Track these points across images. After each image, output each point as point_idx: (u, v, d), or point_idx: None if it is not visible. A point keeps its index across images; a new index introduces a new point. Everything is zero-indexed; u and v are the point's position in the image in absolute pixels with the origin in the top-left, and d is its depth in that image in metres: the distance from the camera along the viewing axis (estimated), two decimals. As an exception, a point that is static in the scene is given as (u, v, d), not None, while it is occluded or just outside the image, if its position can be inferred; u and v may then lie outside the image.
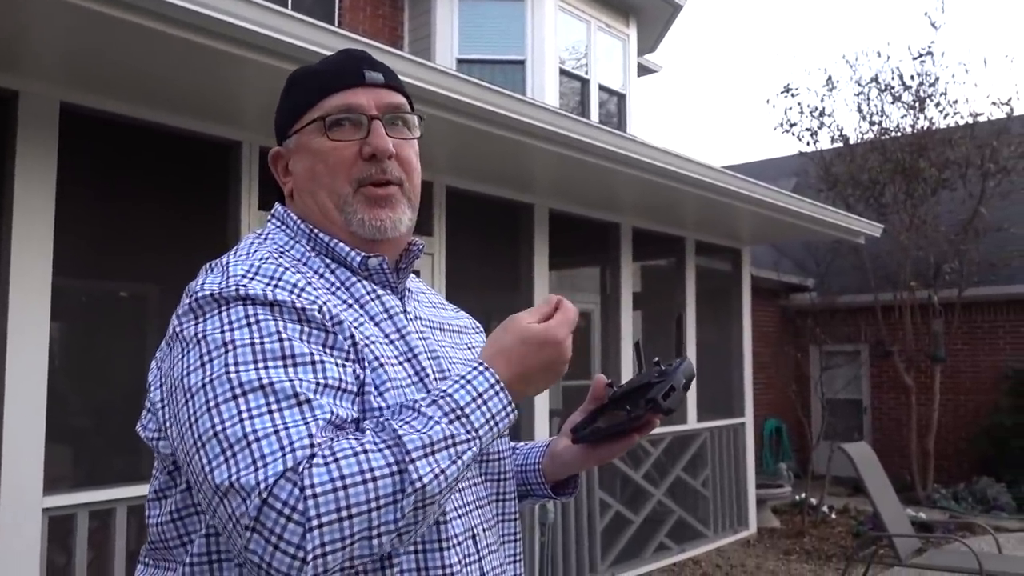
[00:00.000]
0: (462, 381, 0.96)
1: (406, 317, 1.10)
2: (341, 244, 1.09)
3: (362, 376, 0.96)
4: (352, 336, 0.98)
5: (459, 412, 0.93)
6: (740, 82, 50.10)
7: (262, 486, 0.81)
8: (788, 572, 6.26)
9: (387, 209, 1.10)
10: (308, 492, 0.80)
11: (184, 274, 4.25)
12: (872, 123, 10.45)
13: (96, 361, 3.69)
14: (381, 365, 0.99)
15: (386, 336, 1.05)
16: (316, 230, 1.10)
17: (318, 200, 1.10)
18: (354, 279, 1.08)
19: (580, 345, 6.44)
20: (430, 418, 0.91)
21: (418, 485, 0.86)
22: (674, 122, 46.78)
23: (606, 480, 5.90)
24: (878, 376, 11.28)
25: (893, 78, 10.32)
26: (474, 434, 0.93)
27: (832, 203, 8.72)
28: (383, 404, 0.96)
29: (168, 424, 0.95)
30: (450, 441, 0.90)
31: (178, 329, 0.97)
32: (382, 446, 0.87)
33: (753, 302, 7.88)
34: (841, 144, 10.62)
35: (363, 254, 1.09)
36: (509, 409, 0.97)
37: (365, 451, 0.85)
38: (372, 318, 1.05)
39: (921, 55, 10.19)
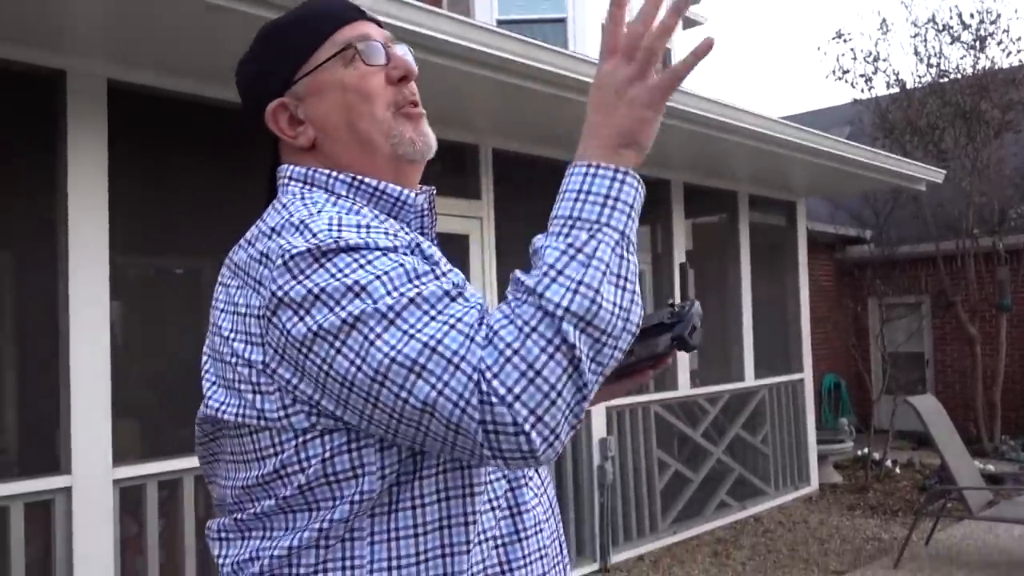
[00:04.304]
0: (560, 194, 0.89)
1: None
2: (391, 185, 1.04)
3: None
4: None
5: (569, 222, 0.86)
6: (788, 31, 48.67)
7: (472, 383, 0.80)
8: (853, 527, 6.17)
9: (426, 126, 1.08)
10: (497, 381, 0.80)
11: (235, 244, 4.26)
12: (930, 66, 10.07)
13: (155, 335, 3.75)
14: None
15: None
16: (359, 177, 1.02)
17: (360, 134, 1.03)
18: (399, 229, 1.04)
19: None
20: (546, 247, 0.86)
21: (559, 313, 0.80)
22: (722, 75, 45.71)
23: (663, 440, 5.85)
24: (941, 328, 10.97)
25: (951, 17, 9.95)
26: (596, 226, 0.85)
27: (889, 151, 8.43)
28: None
29: (317, 385, 0.87)
30: (571, 252, 0.84)
31: (279, 294, 0.87)
32: (522, 305, 0.83)
33: (809, 256, 7.69)
34: (897, 89, 10.25)
35: (412, 191, 1.05)
36: (621, 178, 0.87)
37: (513, 316, 0.82)
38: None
39: (981, -9, 9.76)
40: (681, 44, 9.09)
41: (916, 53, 10.18)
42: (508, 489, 1.00)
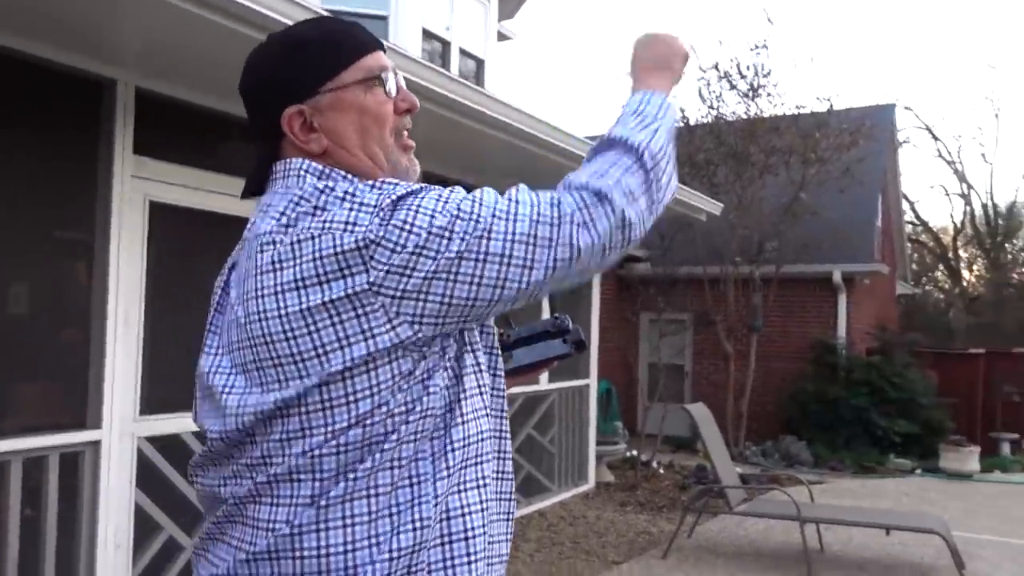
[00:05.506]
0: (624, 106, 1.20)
1: None
2: None
3: None
4: None
5: (636, 112, 1.17)
6: (589, 56, 51.35)
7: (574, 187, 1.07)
8: (626, 522, 6.74)
9: (414, 156, 1.25)
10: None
11: (51, 218, 3.94)
12: (710, 108, 11.15)
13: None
14: None
15: None
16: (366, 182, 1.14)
17: (368, 152, 1.17)
18: None
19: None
20: (618, 125, 1.17)
21: (641, 148, 1.11)
22: (526, 91, 47.36)
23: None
24: (700, 343, 12.17)
25: (731, 66, 11.04)
26: (656, 116, 1.16)
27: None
28: None
29: (446, 265, 1.01)
30: (644, 122, 1.16)
31: (389, 220, 1.01)
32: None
33: (600, 270, 8.25)
34: (682, 125, 11.24)
35: None
36: (668, 98, 1.21)
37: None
38: None
39: (757, 47, 10.96)
40: (495, 57, 9.41)
41: (700, 95, 11.24)
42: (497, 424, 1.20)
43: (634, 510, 7.21)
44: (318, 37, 1.17)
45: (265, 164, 1.18)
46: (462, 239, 1.00)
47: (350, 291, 1.00)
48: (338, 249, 1.00)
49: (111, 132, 3.63)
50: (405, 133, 1.22)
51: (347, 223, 1.01)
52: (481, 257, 1.01)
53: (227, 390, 1.08)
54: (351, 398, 1.01)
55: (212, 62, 3.51)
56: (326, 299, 1.00)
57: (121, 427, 3.65)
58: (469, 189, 1.08)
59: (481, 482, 1.12)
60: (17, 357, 3.40)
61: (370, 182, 1.07)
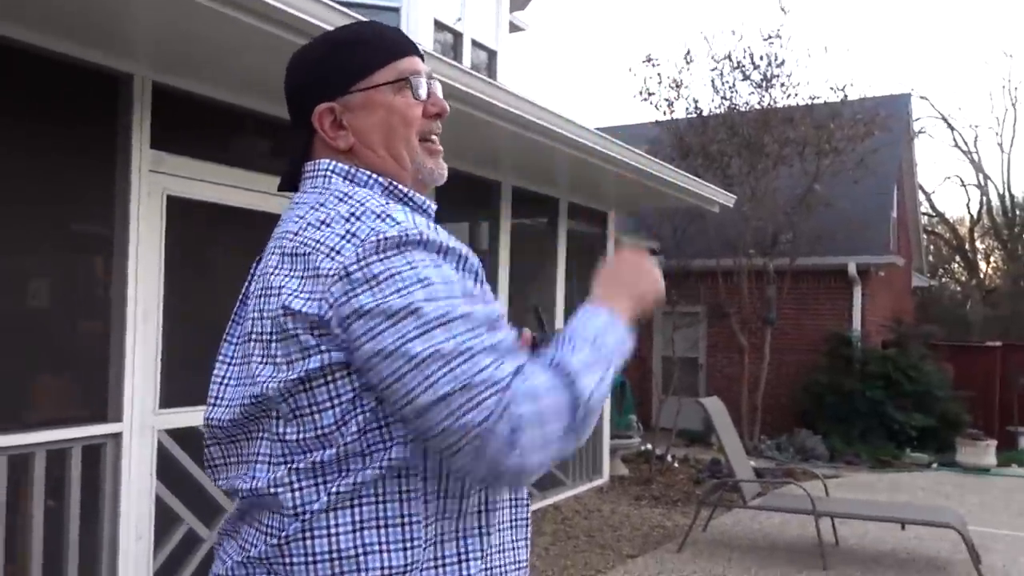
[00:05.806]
0: (586, 317, 1.13)
1: None
2: (418, 195, 1.19)
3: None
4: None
5: (594, 341, 1.09)
6: (601, 47, 51.16)
7: (495, 392, 0.98)
8: (640, 516, 6.74)
9: (441, 160, 1.25)
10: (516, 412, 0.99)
11: (70, 213, 3.96)
12: (724, 98, 11.08)
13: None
14: None
15: None
16: (393, 182, 1.17)
17: (393, 151, 1.19)
18: None
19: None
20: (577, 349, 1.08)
21: (583, 399, 1.03)
22: (539, 83, 47.30)
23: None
24: (714, 336, 12.13)
25: (744, 56, 10.97)
26: (609, 357, 1.09)
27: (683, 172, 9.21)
28: None
29: (370, 351, 0.99)
30: (597, 365, 1.07)
31: (360, 262, 1.00)
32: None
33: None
34: (695, 116, 11.18)
35: (432, 203, 1.21)
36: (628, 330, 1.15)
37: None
38: None
39: (770, 37, 10.88)
40: (507, 49, 9.39)
41: (713, 85, 11.17)
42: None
43: (648, 504, 7.20)
44: (355, 39, 1.21)
45: (298, 162, 1.21)
46: (396, 340, 0.97)
47: (309, 312, 1.02)
48: (319, 272, 1.02)
49: (128, 127, 3.65)
50: (435, 138, 1.24)
51: (333, 249, 1.03)
52: (396, 375, 0.98)
53: (232, 380, 1.13)
54: (314, 408, 1.04)
55: (228, 56, 3.52)
56: (295, 310, 1.02)
57: (141, 420, 3.68)
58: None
59: (483, 506, 1.12)
60: (38, 351, 3.43)
61: (379, 208, 1.06)
